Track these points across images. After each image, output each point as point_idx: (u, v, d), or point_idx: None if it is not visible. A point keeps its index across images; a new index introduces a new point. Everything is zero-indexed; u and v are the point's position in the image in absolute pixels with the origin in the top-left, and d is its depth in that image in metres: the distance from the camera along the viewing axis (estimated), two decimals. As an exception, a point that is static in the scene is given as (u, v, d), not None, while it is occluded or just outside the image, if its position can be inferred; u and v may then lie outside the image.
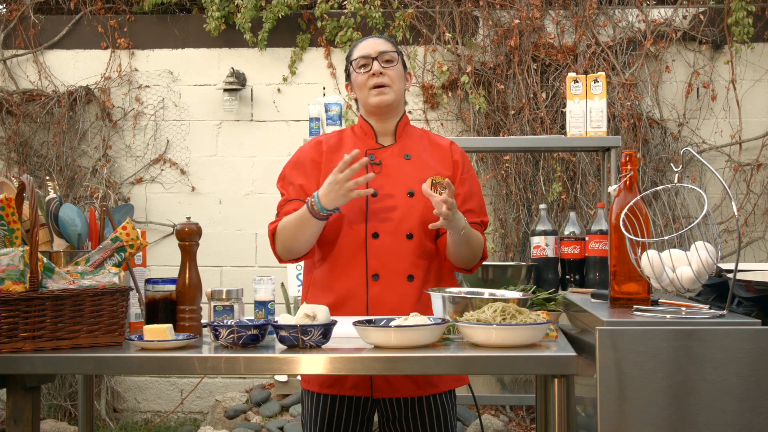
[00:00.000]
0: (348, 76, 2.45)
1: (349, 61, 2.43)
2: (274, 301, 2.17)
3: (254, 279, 2.16)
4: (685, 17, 5.32)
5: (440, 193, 2.27)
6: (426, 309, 2.10)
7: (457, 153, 2.43)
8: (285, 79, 5.45)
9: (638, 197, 1.91)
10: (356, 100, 2.46)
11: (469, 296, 1.99)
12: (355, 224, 2.27)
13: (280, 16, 5.28)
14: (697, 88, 5.29)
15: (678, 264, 1.82)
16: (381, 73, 2.34)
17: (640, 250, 1.86)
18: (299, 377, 2.52)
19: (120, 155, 5.52)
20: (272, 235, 2.32)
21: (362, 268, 2.26)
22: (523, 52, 5.26)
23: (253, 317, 2.09)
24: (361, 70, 2.37)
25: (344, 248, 2.28)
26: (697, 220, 1.77)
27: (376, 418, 2.37)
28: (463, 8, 5.35)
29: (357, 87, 2.39)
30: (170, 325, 1.87)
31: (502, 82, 5.27)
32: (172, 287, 2.02)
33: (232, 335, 1.82)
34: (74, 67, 5.58)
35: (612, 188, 2.00)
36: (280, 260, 2.37)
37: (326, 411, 2.31)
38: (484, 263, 2.92)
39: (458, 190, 2.36)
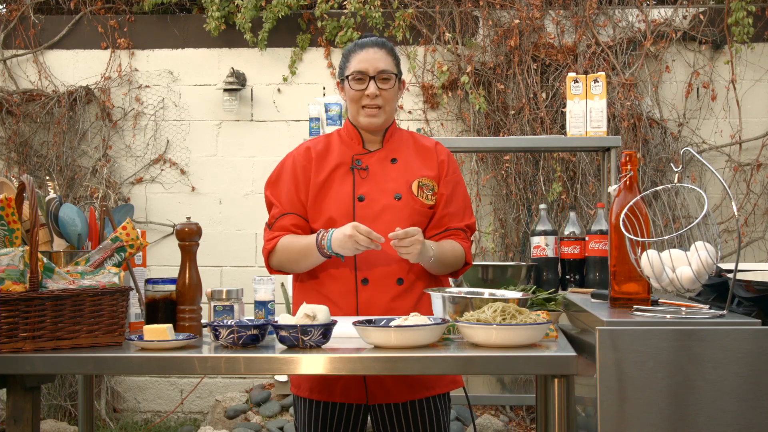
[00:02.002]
0: (341, 76, 2.41)
1: (344, 65, 2.38)
2: (274, 301, 2.17)
3: (254, 279, 2.16)
4: (685, 17, 5.32)
5: (426, 196, 2.31)
6: (418, 312, 2.09)
7: (442, 153, 2.42)
8: (285, 79, 5.45)
9: (638, 197, 1.91)
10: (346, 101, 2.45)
11: (469, 296, 1.99)
12: None
13: (280, 16, 5.28)
14: (697, 88, 5.29)
15: (678, 264, 1.82)
16: (376, 95, 2.32)
17: (640, 250, 1.86)
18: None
19: (120, 155, 5.52)
20: (269, 253, 2.32)
21: (351, 273, 2.27)
22: (523, 52, 5.26)
23: (253, 317, 2.09)
24: (355, 85, 2.33)
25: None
26: (697, 220, 1.77)
27: (369, 421, 2.37)
28: (463, 8, 5.35)
29: (349, 99, 2.37)
30: (170, 325, 1.87)
31: (502, 82, 5.27)
32: (172, 287, 2.02)
33: (232, 335, 1.82)
34: (74, 67, 5.57)
35: (612, 188, 2.00)
36: (271, 272, 2.37)
37: (319, 416, 2.30)
38: (484, 263, 2.92)
39: (441, 190, 2.36)
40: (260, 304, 2.14)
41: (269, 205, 2.39)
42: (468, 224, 2.40)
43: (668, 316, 1.76)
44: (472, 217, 2.42)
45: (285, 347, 1.82)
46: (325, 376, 2.23)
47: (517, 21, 5.26)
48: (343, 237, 2.16)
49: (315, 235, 2.24)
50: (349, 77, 2.34)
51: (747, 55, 5.24)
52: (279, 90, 5.46)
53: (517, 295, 2.12)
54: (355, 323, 1.84)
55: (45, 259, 1.87)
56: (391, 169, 2.35)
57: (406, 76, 5.33)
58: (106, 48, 5.55)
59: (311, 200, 2.32)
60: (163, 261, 5.31)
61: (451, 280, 2.83)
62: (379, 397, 2.27)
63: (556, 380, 1.72)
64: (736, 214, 1.83)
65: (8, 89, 5.52)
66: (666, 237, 1.80)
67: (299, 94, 5.40)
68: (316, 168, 2.34)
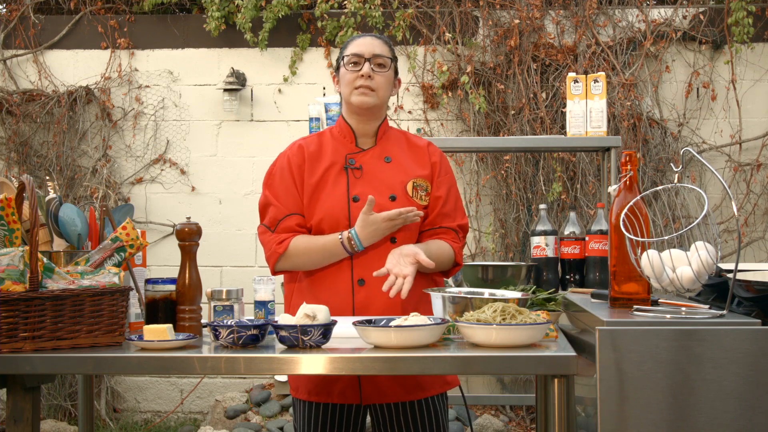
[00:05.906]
0: (338, 69, 2.43)
1: (342, 53, 2.40)
2: (274, 301, 2.17)
3: (254, 279, 2.16)
4: (685, 17, 5.32)
5: (420, 197, 2.32)
6: (415, 311, 2.09)
7: (435, 154, 2.42)
8: (285, 79, 5.45)
9: (638, 197, 1.91)
10: (340, 94, 2.44)
11: (469, 296, 1.99)
12: (338, 231, 2.26)
13: (280, 16, 5.28)
14: (697, 88, 5.29)
15: (678, 264, 1.82)
16: (369, 77, 2.32)
17: (640, 250, 1.86)
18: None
19: (120, 155, 5.52)
20: (279, 256, 2.28)
21: (347, 274, 2.26)
22: (523, 52, 5.26)
23: (253, 317, 2.09)
24: (351, 68, 2.35)
25: None
26: (697, 220, 1.77)
27: (368, 422, 2.37)
28: (463, 8, 5.35)
29: (343, 83, 2.37)
30: (170, 325, 1.87)
31: (502, 82, 5.27)
32: (172, 287, 2.02)
33: (232, 335, 1.82)
34: (74, 67, 5.58)
35: (612, 188, 2.00)
36: (275, 273, 2.34)
37: (318, 419, 2.30)
38: (484, 263, 2.92)
39: (436, 193, 2.36)
40: (260, 304, 2.14)
41: (266, 205, 2.36)
42: (460, 224, 2.39)
43: (668, 316, 1.76)
44: (464, 218, 2.41)
45: (285, 347, 1.82)
46: (323, 377, 2.22)
47: (517, 21, 5.26)
48: (368, 229, 2.21)
49: (334, 237, 2.24)
50: (345, 59, 2.36)
51: (747, 55, 5.24)
52: (279, 90, 5.46)
53: (517, 295, 2.12)
54: (355, 323, 1.84)
55: (45, 259, 1.87)
56: (385, 168, 2.35)
57: (406, 76, 5.33)
58: (106, 48, 5.55)
59: (306, 201, 2.31)
60: (163, 261, 5.31)
61: (451, 280, 2.83)
62: (373, 397, 2.27)
63: (556, 380, 1.72)
64: (736, 214, 1.83)
65: (8, 89, 5.52)
66: (666, 237, 1.80)
67: (299, 94, 5.40)
68: (309, 168, 2.33)
